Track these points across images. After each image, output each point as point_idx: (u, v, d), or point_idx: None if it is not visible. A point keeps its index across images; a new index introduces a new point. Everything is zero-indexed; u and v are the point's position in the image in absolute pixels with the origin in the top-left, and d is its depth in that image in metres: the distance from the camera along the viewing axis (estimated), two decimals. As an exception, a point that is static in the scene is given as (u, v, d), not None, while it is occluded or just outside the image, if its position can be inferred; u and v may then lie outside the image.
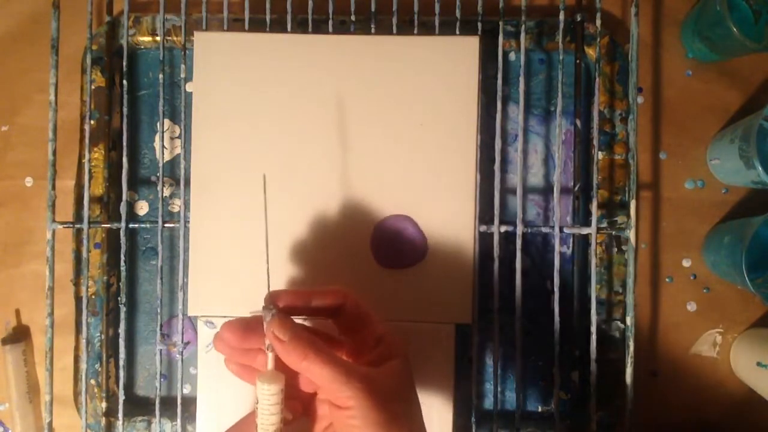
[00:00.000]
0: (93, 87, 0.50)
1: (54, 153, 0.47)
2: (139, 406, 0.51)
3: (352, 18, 0.48)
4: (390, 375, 0.34)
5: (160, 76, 0.48)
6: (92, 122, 0.50)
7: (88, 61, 0.48)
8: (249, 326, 0.35)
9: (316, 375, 0.33)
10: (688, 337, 0.51)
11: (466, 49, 0.46)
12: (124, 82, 0.48)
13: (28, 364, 0.51)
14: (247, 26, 0.48)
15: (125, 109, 0.49)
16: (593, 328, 0.46)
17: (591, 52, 0.50)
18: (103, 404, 0.50)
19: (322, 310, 0.37)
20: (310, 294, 0.36)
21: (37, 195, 0.52)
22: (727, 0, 0.44)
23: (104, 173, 0.51)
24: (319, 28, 0.48)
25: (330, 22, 0.48)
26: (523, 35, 0.47)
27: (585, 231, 0.47)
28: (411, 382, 0.36)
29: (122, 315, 0.48)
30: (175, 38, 0.50)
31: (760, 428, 0.50)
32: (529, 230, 0.47)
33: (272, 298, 0.35)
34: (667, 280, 0.51)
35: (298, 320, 0.36)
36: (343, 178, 0.46)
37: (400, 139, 0.46)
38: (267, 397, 0.33)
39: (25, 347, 0.51)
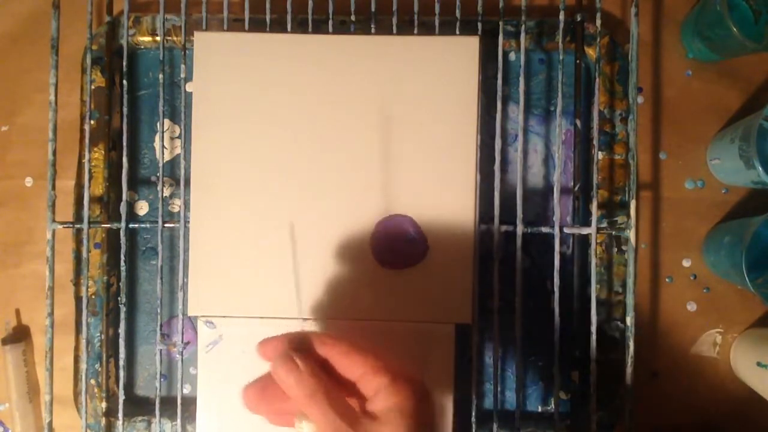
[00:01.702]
0: (93, 87, 0.50)
1: (54, 153, 0.47)
2: (139, 406, 0.51)
3: (352, 18, 0.48)
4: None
5: (160, 76, 0.48)
6: (92, 122, 0.50)
7: (88, 61, 0.48)
8: (265, 387, 0.34)
9: (318, 423, 0.31)
10: (688, 337, 0.51)
11: (466, 49, 0.46)
12: (124, 82, 0.48)
13: (28, 364, 0.51)
14: (247, 26, 0.48)
15: (125, 109, 0.49)
16: (593, 328, 0.46)
17: (591, 52, 0.50)
18: (103, 404, 0.50)
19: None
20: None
21: (37, 195, 0.52)
22: (727, 0, 0.44)
23: (104, 173, 0.50)
24: (319, 28, 0.48)
25: (330, 22, 0.48)
26: (523, 35, 0.47)
27: (585, 231, 0.47)
28: None
29: (122, 315, 0.48)
30: (175, 38, 0.50)
31: (760, 428, 0.50)
32: (529, 230, 0.47)
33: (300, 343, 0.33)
34: (667, 280, 0.51)
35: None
36: (343, 177, 0.46)
37: (400, 138, 0.46)
38: None
39: (25, 347, 0.51)
